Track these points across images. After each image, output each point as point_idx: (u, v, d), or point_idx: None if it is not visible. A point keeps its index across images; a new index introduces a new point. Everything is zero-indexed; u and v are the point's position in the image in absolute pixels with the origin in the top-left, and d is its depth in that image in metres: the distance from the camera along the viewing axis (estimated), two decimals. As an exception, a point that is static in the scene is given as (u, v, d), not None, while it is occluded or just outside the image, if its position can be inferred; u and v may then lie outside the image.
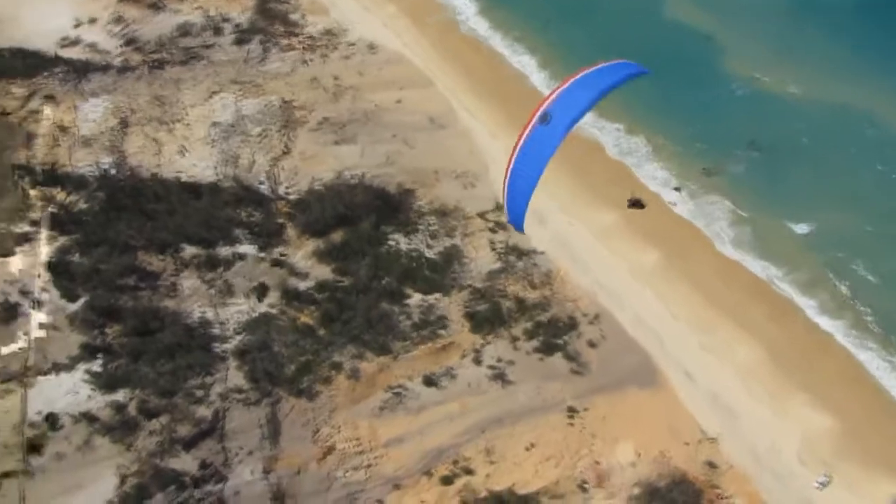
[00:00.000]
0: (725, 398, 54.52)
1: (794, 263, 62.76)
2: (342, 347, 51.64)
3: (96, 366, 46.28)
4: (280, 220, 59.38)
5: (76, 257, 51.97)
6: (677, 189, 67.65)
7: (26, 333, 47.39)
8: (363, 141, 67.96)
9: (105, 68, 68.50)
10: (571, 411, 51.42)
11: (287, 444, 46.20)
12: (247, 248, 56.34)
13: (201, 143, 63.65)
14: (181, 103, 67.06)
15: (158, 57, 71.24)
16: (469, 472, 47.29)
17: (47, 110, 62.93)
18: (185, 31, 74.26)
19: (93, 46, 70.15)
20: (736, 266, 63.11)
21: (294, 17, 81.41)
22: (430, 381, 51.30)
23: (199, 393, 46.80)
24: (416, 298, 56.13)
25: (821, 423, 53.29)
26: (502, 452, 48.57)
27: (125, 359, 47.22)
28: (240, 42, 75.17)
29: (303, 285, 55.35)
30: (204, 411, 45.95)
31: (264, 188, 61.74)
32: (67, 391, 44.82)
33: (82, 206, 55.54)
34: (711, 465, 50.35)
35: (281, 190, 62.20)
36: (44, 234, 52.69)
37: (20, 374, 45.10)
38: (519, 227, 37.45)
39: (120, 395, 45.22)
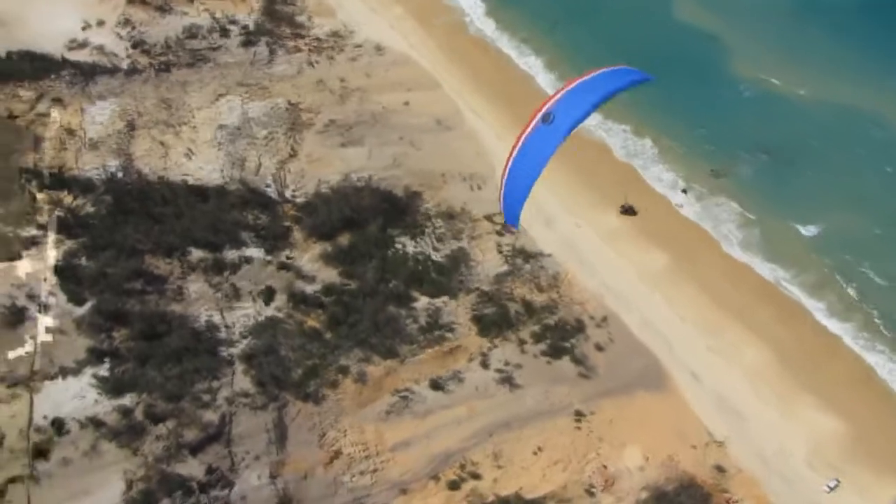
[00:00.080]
0: (733, 401, 54.44)
1: (802, 266, 62.68)
2: (349, 351, 51.56)
3: (103, 370, 46.20)
4: (287, 224, 59.25)
5: (83, 261, 51.90)
6: (684, 191, 67.49)
7: (33, 337, 47.31)
8: (370, 143, 67.86)
9: (112, 71, 68.48)
10: (579, 415, 51.33)
11: (294, 449, 46.12)
12: (253, 252, 56.24)
13: (208, 146, 63.58)
14: (188, 106, 67.00)
15: (165, 59, 71.23)
16: (476, 476, 47.19)
17: (55, 113, 62.91)
18: (191, 33, 74.21)
19: (100, 49, 70.07)
20: (744, 268, 63.01)
21: (300, 18, 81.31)
22: (436, 385, 51.21)
23: (206, 397, 46.71)
24: (423, 302, 56.03)
25: (829, 427, 53.14)
26: (510, 456, 48.49)
27: (132, 363, 47.14)
28: (246, 44, 75.10)
29: (309, 289, 55.26)
30: (211, 416, 45.86)
31: (271, 191, 61.64)
32: (74, 395, 44.75)
33: (89, 209, 55.47)
34: (720, 469, 50.24)
35: (287, 193, 62.11)
36: (51, 237, 52.64)
37: (27, 379, 45.01)
38: (514, 224, 37.43)
39: (127, 400, 45.17)
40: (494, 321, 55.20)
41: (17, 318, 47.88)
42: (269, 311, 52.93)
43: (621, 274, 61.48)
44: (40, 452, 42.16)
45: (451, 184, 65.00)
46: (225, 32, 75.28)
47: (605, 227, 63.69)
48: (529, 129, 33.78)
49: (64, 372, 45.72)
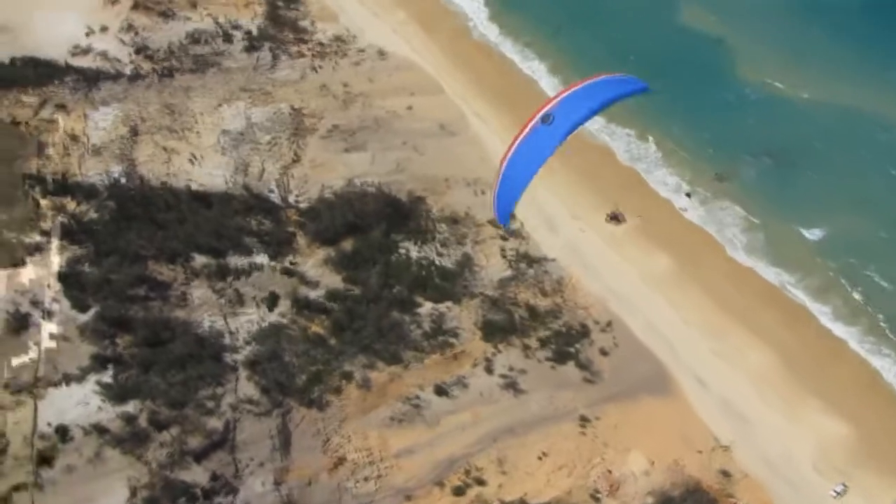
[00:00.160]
0: (738, 405, 54.41)
1: (807, 269, 62.62)
2: (353, 357, 51.48)
3: (107, 377, 46.05)
4: (290, 229, 59.16)
5: (87, 267, 51.75)
6: (688, 195, 67.33)
7: (37, 344, 47.17)
8: (373, 148, 67.79)
9: (115, 77, 68.45)
10: (584, 420, 51.27)
11: (298, 455, 46.02)
12: (257, 258, 56.12)
13: (211, 152, 63.51)
14: (191, 111, 66.93)
15: (168, 65, 71.18)
16: (481, 482, 47.08)
17: (61, 120, 62.90)
18: (195, 38, 74.15)
19: (104, 55, 70.02)
20: (748, 272, 62.94)
21: (303, 23, 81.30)
22: (441, 391, 51.13)
23: (210, 404, 46.58)
24: (427, 307, 55.93)
25: (835, 431, 53.06)
26: (514, 462, 48.39)
27: (136, 369, 46.99)
28: (249, 49, 75.05)
29: (313, 294, 55.16)
30: (215, 422, 45.73)
31: (274, 196, 61.58)
32: (78, 402, 44.62)
33: (93, 215, 55.36)
34: (725, 474, 50.22)
35: (291, 198, 62.06)
36: (55, 244, 52.54)
37: (31, 386, 44.91)
38: (505, 223, 37.46)
39: (130, 407, 45.01)
40: (499, 327, 55.13)
41: (20, 324, 47.72)
42: (273, 317, 52.82)
43: (625, 278, 61.43)
44: (44, 460, 42.00)
45: (455, 189, 64.94)
46: (228, 38, 75.22)
47: (610, 231, 63.47)
48: (528, 129, 34.13)
49: (68, 379, 45.57)
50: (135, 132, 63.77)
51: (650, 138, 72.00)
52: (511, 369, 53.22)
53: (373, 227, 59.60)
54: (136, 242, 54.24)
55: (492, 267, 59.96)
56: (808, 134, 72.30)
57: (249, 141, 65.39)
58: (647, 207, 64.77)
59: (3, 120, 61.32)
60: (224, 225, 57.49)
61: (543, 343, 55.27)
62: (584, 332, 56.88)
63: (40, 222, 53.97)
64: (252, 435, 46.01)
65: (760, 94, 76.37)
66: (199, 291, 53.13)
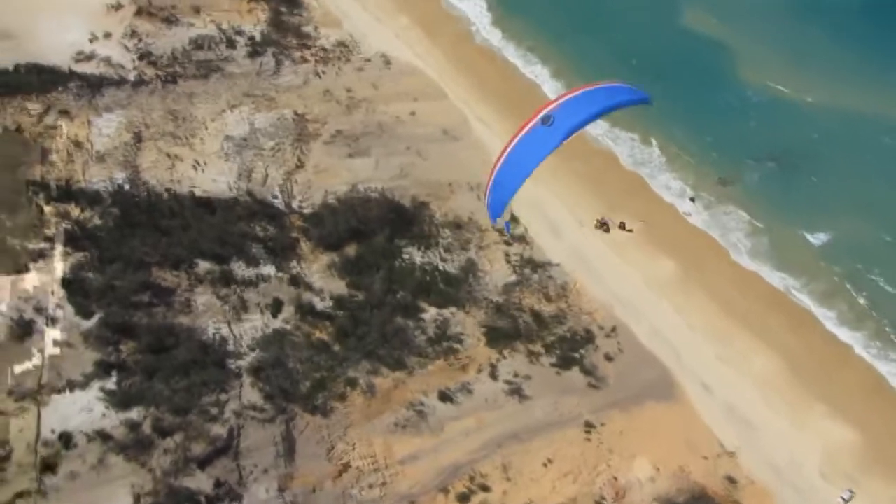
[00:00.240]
0: (743, 410, 54.31)
1: (812, 274, 62.51)
2: (357, 363, 51.35)
3: (111, 383, 46.00)
4: (294, 235, 59.09)
5: (91, 274, 51.74)
6: (692, 199, 67.32)
7: (41, 350, 47.16)
8: (377, 153, 67.69)
9: (119, 83, 68.43)
10: (588, 426, 51.13)
11: (302, 462, 45.88)
12: (263, 268, 56.05)
13: (215, 158, 63.48)
14: (194, 117, 66.89)
15: (172, 71, 71.17)
16: (485, 488, 46.95)
17: (64, 126, 62.91)
18: (198, 44, 74.11)
19: (107, 61, 69.98)
20: (752, 276, 62.84)
21: (307, 29, 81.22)
22: (445, 397, 50.99)
23: (214, 410, 46.48)
24: (431, 313, 55.84)
25: (842, 436, 52.92)
26: (519, 468, 48.26)
27: (140, 376, 46.94)
28: (253, 55, 75.02)
29: (317, 300, 55.08)
30: (219, 429, 45.63)
31: (278, 202, 61.50)
32: (82, 409, 44.57)
33: (97, 222, 55.34)
34: (731, 480, 50.08)
35: (294, 204, 61.96)
36: (58, 250, 52.54)
37: (34, 392, 44.89)
38: (495, 219, 37.60)
39: (134, 413, 44.95)
40: (504, 332, 55.01)
41: (24, 331, 47.70)
42: (277, 324, 52.75)
43: (630, 283, 61.33)
44: (48, 466, 41.95)
45: (459, 193, 64.82)
46: (231, 43, 75.17)
47: (614, 236, 63.27)
48: (527, 129, 34.15)
49: (71, 385, 45.53)
50: (138, 138, 63.74)
51: (654, 142, 71.88)
52: (516, 375, 53.10)
53: (376, 232, 59.52)
54: (139, 249, 54.17)
55: (496, 272, 59.85)
56: (812, 137, 72.17)
57: (253, 146, 65.34)
58: (650, 212, 64.62)
59: (7, 126, 61.30)
60: (228, 231, 57.40)
61: (548, 349, 55.17)
62: (588, 338, 56.76)
63: (44, 229, 53.97)
64: (256, 441, 45.89)
65: (763, 98, 76.24)
66: (203, 298, 53.04)
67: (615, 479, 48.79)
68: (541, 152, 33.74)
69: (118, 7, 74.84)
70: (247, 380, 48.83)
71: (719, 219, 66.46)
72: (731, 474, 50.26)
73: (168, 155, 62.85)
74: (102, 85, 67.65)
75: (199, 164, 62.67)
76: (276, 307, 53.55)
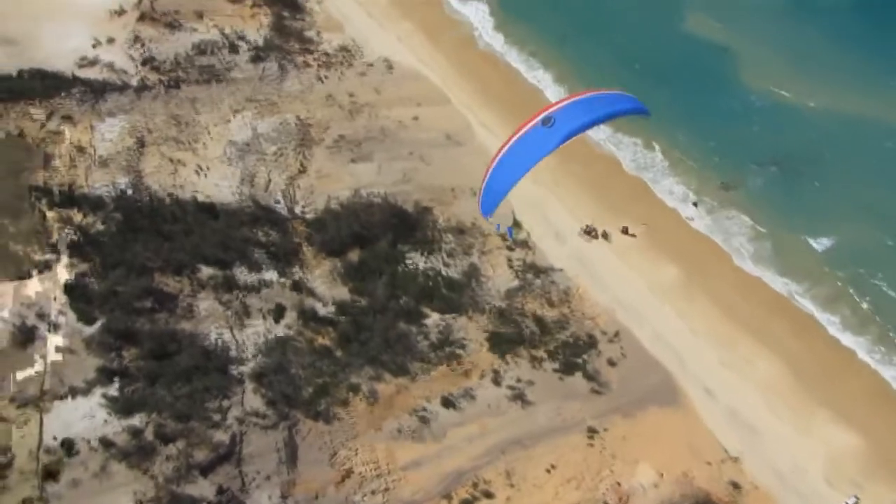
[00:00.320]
0: (747, 416, 54.13)
1: (815, 279, 62.39)
2: (359, 369, 51.27)
3: (113, 390, 45.91)
4: (297, 241, 59.07)
5: (93, 280, 51.71)
6: (695, 204, 67.27)
7: (43, 357, 47.08)
8: (379, 158, 67.69)
9: (122, 88, 68.48)
10: (592, 432, 50.98)
11: (304, 469, 45.76)
12: (266, 274, 56.01)
13: (217, 163, 63.49)
14: (197, 122, 66.97)
15: (175, 76, 71.18)
16: (489, 495, 46.81)
17: (67, 131, 62.96)
18: (201, 49, 74.12)
19: (110, 66, 70.07)
20: (755, 281, 62.73)
21: (309, 34, 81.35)
22: (448, 403, 50.88)
23: (216, 417, 46.38)
24: (434, 318, 55.72)
25: (846, 441, 52.78)
26: (522, 474, 48.12)
27: (142, 382, 46.85)
28: (255, 60, 75.03)
29: (319, 306, 55.03)
30: (221, 435, 45.52)
31: (280, 207, 61.47)
32: (84, 416, 44.49)
33: (99, 227, 55.31)
34: (735, 486, 49.92)
35: (297, 209, 61.96)
36: (60, 256, 52.51)
37: (36, 399, 44.81)
38: (487, 214, 37.72)
39: (136, 420, 44.83)
40: (507, 338, 54.91)
41: (26, 337, 47.63)
42: (280, 329, 52.70)
43: (632, 288, 61.22)
44: (50, 474, 41.79)
45: (462, 199, 64.74)
46: (234, 48, 75.21)
47: (617, 241, 63.19)
48: (527, 128, 34.55)
49: (74, 392, 45.43)
50: (141, 143, 63.80)
51: (656, 147, 71.84)
52: (519, 380, 53.00)
53: (379, 237, 59.47)
54: (142, 254, 54.12)
55: (498, 277, 59.79)
56: (815, 142, 72.12)
57: (255, 152, 65.39)
58: (653, 217, 64.60)
59: (10, 132, 61.37)
60: (230, 236, 57.37)
61: (551, 354, 55.07)
62: (591, 343, 56.66)
63: (46, 235, 53.94)
64: (259, 448, 45.78)
65: (766, 102, 76.26)
66: (206, 303, 53.00)
67: (618, 484, 48.61)
68: (538, 153, 34.03)
69: (121, 13, 75.01)
70: (249, 386, 48.75)
71: (722, 224, 66.37)
72: (735, 480, 50.10)
73: (171, 160, 62.90)
74: (105, 90, 67.70)
75: (201, 168, 62.70)
76: (278, 313, 53.49)
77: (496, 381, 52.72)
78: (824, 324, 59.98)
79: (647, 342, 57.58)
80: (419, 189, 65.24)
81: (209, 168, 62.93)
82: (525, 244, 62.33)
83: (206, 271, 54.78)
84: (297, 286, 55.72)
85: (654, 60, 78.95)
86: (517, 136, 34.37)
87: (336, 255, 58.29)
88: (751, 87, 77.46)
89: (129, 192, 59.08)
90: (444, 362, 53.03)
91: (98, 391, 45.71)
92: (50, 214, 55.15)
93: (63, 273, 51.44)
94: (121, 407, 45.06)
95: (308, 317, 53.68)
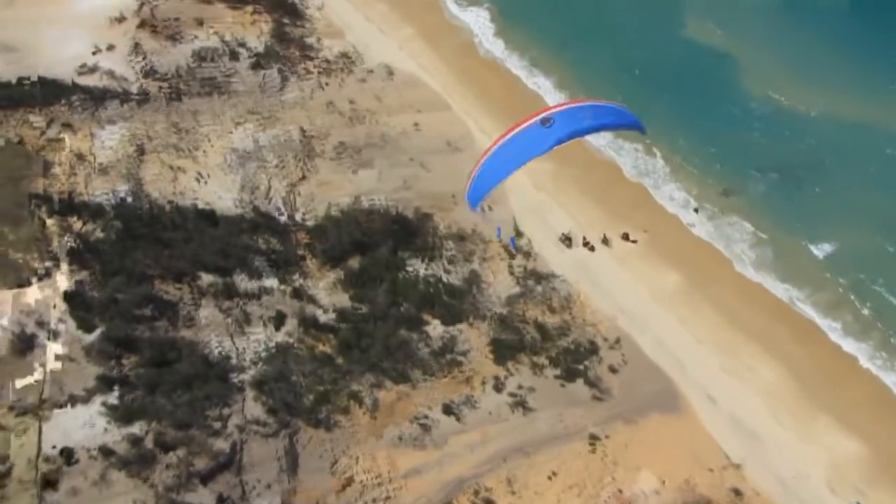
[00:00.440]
0: (749, 422, 53.98)
1: (816, 285, 62.31)
2: (360, 376, 51.16)
3: (113, 398, 45.78)
4: (297, 248, 58.99)
5: (93, 287, 51.57)
6: (696, 210, 67.26)
7: (42, 365, 46.98)
8: (380, 165, 67.64)
9: (122, 98, 68.38)
10: (593, 438, 50.82)
11: (305, 477, 45.60)
12: (266, 281, 55.93)
13: (218, 170, 63.40)
14: (198, 130, 66.91)
15: (176, 86, 71.00)
16: (490, 502, 46.68)
17: (67, 139, 62.89)
18: (201, 56, 74.01)
19: (110, 73, 70.00)
20: (757, 288, 62.63)
21: (310, 40, 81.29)
22: (449, 410, 50.77)
23: (217, 425, 46.27)
24: (434, 325, 55.56)
25: (848, 448, 52.63)
26: (524, 482, 47.94)
27: (142, 390, 46.73)
28: (256, 67, 74.93)
29: (320, 313, 54.91)
30: (221, 444, 45.38)
31: (280, 214, 61.36)
32: (83, 424, 44.35)
33: (99, 235, 55.22)
34: (737, 493, 49.72)
35: (298, 216, 61.85)
36: (60, 264, 52.40)
37: (36, 407, 44.67)
38: (474, 205, 37.83)
39: (136, 428, 44.72)
40: (508, 344, 54.78)
41: (26, 345, 47.55)
42: (280, 337, 52.57)
43: (634, 294, 61.08)
44: (49, 482, 41.67)
45: (462, 205, 64.46)
46: (235, 55, 75.14)
47: (618, 248, 63.24)
48: (525, 125, 34.54)
49: (73, 400, 45.35)
50: (141, 151, 63.72)
51: (657, 153, 71.77)
52: (520, 387, 52.87)
53: (380, 244, 59.38)
54: (142, 262, 54.08)
55: (499, 284, 59.68)
56: (815, 148, 72.11)
57: (256, 159, 65.29)
58: (654, 223, 64.65)
59: (10, 139, 61.31)
60: (230, 243, 57.28)
61: (552, 360, 54.91)
62: (592, 350, 56.51)
63: (46, 242, 53.83)
64: (259, 456, 45.65)
65: (767, 109, 76.21)
66: (206, 311, 52.92)
67: (620, 492, 48.44)
68: (533, 151, 34.21)
69: (121, 20, 74.88)
70: (250, 393, 48.63)
71: (723, 230, 66.30)
72: (737, 487, 49.89)
73: (171, 167, 62.80)
74: (105, 97, 67.63)
75: (202, 176, 62.62)
76: (279, 320, 53.39)
77: (497, 388, 52.58)
78: (826, 330, 59.86)
79: (649, 348, 57.42)
80: (420, 196, 65.19)
81: (209, 175, 62.83)
82: (527, 254, 62.11)
83: (206, 279, 54.70)
84: (298, 293, 55.62)
85: (655, 66, 78.95)
86: (514, 131, 34.48)
87: (337, 261, 58.20)
88: (751, 93, 77.42)
89: (129, 199, 58.99)
90: (446, 369, 52.86)
91: (98, 399, 45.60)
92: (50, 222, 55.11)
93: (63, 281, 51.33)
94: (120, 415, 44.91)
95: (309, 324, 53.57)
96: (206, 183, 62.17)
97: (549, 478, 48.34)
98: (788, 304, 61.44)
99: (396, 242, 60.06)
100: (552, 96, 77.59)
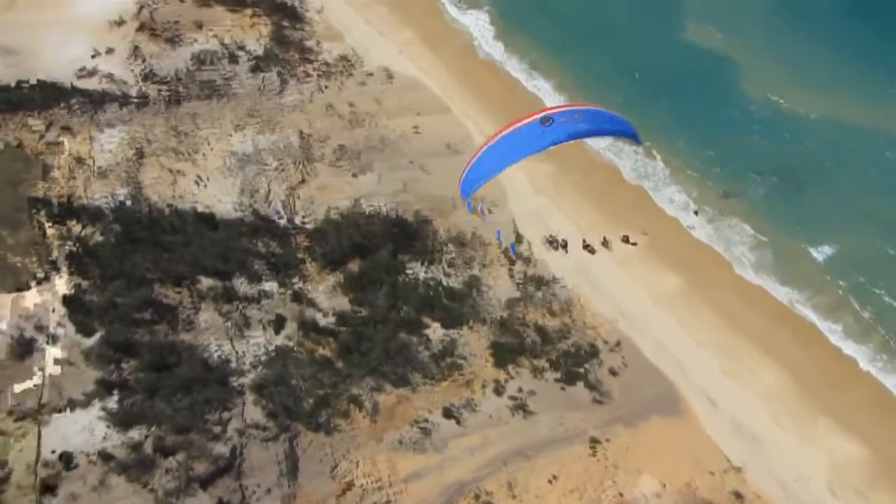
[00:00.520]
0: (750, 425, 53.89)
1: (816, 288, 62.27)
2: (360, 379, 51.01)
3: (112, 402, 45.64)
4: (297, 251, 58.89)
5: (92, 291, 51.47)
6: (696, 213, 67.19)
7: (41, 369, 46.85)
8: (380, 168, 67.58)
9: (122, 102, 68.31)
10: (594, 442, 50.69)
11: (305, 481, 45.44)
12: (266, 284, 55.82)
13: (217, 174, 63.32)
14: (197, 133, 66.84)
15: (175, 90, 70.92)
16: (491, 506, 46.58)
17: (66, 142, 62.81)
18: (200, 59, 73.95)
19: (109, 77, 69.98)
20: (757, 290, 62.56)
21: (309, 43, 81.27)
22: (449, 414, 50.63)
23: (217, 429, 46.12)
24: (434, 328, 55.48)
25: (849, 451, 52.53)
26: (525, 485, 47.79)
27: (141, 394, 46.57)
28: (255, 70, 74.85)
29: (320, 316, 54.81)
30: (221, 448, 45.23)
31: (280, 217, 61.25)
32: (83, 429, 44.21)
33: (98, 238, 55.13)
34: (738, 496, 49.63)
35: (297, 219, 61.76)
36: (59, 267, 52.29)
37: (35, 412, 44.53)
38: (465, 196, 38.05)
39: (136, 433, 44.55)
40: (508, 347, 54.67)
41: (25, 349, 47.42)
42: (280, 340, 52.46)
43: (634, 297, 61.02)
44: (48, 488, 41.51)
45: (462, 208, 64.53)
46: (234, 59, 75.09)
47: (619, 250, 63.12)
48: (524, 122, 35.02)
49: (72, 404, 45.21)
50: (140, 154, 63.69)
51: (657, 156, 71.76)
52: (520, 390, 52.77)
53: (380, 247, 59.27)
54: (141, 265, 53.98)
55: (499, 287, 59.56)
56: (815, 151, 72.11)
57: (256, 163, 65.22)
58: (654, 226, 64.68)
59: (9, 142, 61.24)
60: (230, 247, 57.17)
61: (553, 364, 54.80)
62: (593, 353, 56.42)
63: (45, 246, 53.73)
64: (259, 460, 45.48)
65: (766, 112, 76.25)
66: (206, 315, 52.81)
67: (621, 495, 48.31)
68: (530, 147, 34.65)
69: (121, 23, 74.87)
70: (249, 397, 48.50)
71: (723, 232, 66.26)
72: (738, 490, 49.79)
73: (170, 170, 62.73)
74: (104, 101, 67.58)
75: (201, 179, 62.54)
76: (278, 324, 53.28)
77: (498, 392, 52.47)
78: (826, 332, 59.78)
79: (649, 351, 57.35)
80: (419, 199, 65.12)
81: (209, 179, 62.75)
82: (527, 259, 61.96)
83: (205, 282, 54.57)
84: (298, 297, 55.52)
85: (655, 69, 78.98)
86: (512, 127, 34.64)
87: (336, 265, 58.08)
88: (751, 96, 77.44)
89: (129, 203, 58.95)
90: (446, 372, 52.71)
91: (97, 404, 45.46)
92: (49, 226, 54.95)
93: (62, 285, 51.23)
94: (120, 420, 44.77)
95: (308, 327, 53.47)
96: (205, 186, 62.10)
97: (550, 481, 48.20)
98: (789, 306, 61.38)
99: (396, 245, 59.98)
100: (552, 99, 77.60)
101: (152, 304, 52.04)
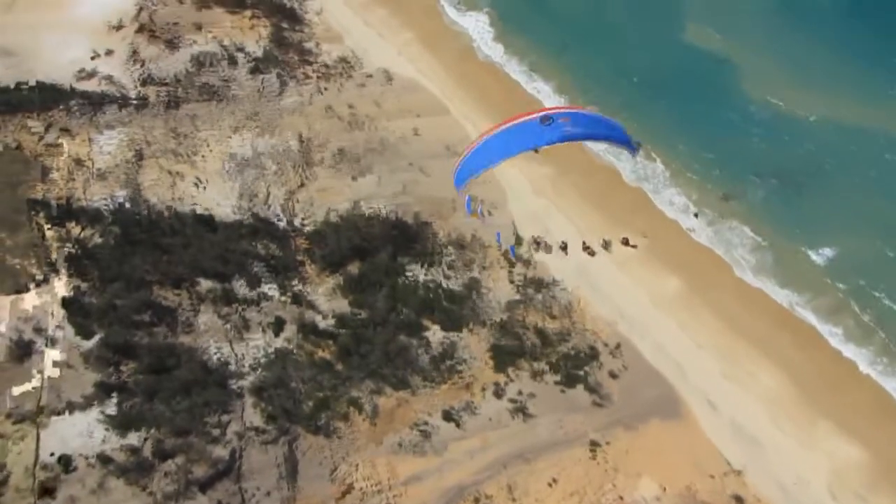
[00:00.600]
0: (750, 428, 53.71)
1: (816, 290, 62.05)
2: (360, 382, 50.93)
3: (111, 405, 45.63)
4: (296, 253, 58.81)
5: (91, 293, 51.41)
6: (696, 215, 66.99)
7: (40, 372, 46.90)
8: (379, 170, 67.52)
9: (121, 100, 68.28)
10: (594, 445, 50.56)
11: (304, 484, 45.41)
12: (265, 286, 55.76)
13: (216, 176, 63.26)
14: (196, 135, 66.78)
15: (174, 91, 70.85)
16: (490, 509, 46.48)
17: (65, 144, 62.75)
18: (200, 61, 73.88)
19: (109, 79, 69.98)
20: (757, 293, 62.38)
21: (308, 45, 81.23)
22: (449, 417, 50.53)
23: (216, 432, 46.11)
24: (434, 331, 55.39)
25: (849, 454, 52.38)
26: (524, 488, 47.68)
27: (140, 397, 46.58)
28: (254, 72, 74.77)
29: (319, 318, 54.72)
30: (220, 451, 45.23)
31: (279, 220, 61.20)
32: (81, 432, 44.21)
33: (97, 240, 55.10)
34: (738, 499, 49.52)
35: (297, 221, 61.70)
36: (58, 270, 52.23)
37: (34, 415, 44.48)
38: (458, 187, 38.20)
39: (135, 436, 44.55)
40: (508, 350, 54.59)
41: (24, 352, 47.48)
42: (279, 343, 52.38)
43: (634, 300, 60.86)
44: (46, 490, 41.56)
45: (461, 210, 64.28)
46: (233, 61, 75.05)
47: (619, 253, 63.01)
48: (524, 119, 35.22)
49: (71, 407, 45.23)
50: (140, 156, 63.66)
51: (657, 158, 71.56)
52: (520, 393, 52.66)
53: (379, 250, 59.19)
54: (140, 268, 53.99)
55: (499, 289, 59.45)
56: (815, 153, 71.92)
57: (255, 167, 65.15)
58: (654, 228, 64.54)
59: (8, 144, 61.19)
60: (230, 249, 57.11)
61: (552, 366, 54.70)
62: (592, 355, 56.29)
63: (44, 248, 53.68)
64: (258, 463, 45.50)
65: (766, 114, 76.03)
66: (205, 317, 52.80)
67: (621, 498, 48.22)
68: (527, 143, 34.82)
69: (120, 25, 74.87)
70: (249, 400, 48.50)
71: (723, 235, 66.06)
72: (738, 493, 49.67)
73: (169, 172, 62.67)
74: (104, 102, 67.56)
75: (200, 181, 62.47)
76: (278, 326, 53.22)
77: (497, 394, 52.39)
78: (826, 335, 59.58)
79: (649, 354, 57.22)
80: (419, 201, 65.04)
81: (208, 181, 62.69)
82: (527, 262, 61.86)
83: (205, 284, 54.56)
84: (297, 299, 55.47)
85: (654, 71, 78.88)
86: (511, 122, 34.78)
87: (336, 267, 57.99)
88: (750, 98, 77.26)
89: (128, 205, 58.96)
90: (445, 375, 52.63)
91: (96, 406, 45.49)
92: (48, 228, 54.93)
93: (61, 287, 51.21)
94: (119, 422, 44.78)
95: (308, 330, 53.43)
96: (204, 188, 62.05)
97: (550, 484, 48.10)
98: (788, 309, 61.21)
99: (396, 248, 59.92)
100: (551, 101, 77.42)
101: (151, 307, 52.04)
